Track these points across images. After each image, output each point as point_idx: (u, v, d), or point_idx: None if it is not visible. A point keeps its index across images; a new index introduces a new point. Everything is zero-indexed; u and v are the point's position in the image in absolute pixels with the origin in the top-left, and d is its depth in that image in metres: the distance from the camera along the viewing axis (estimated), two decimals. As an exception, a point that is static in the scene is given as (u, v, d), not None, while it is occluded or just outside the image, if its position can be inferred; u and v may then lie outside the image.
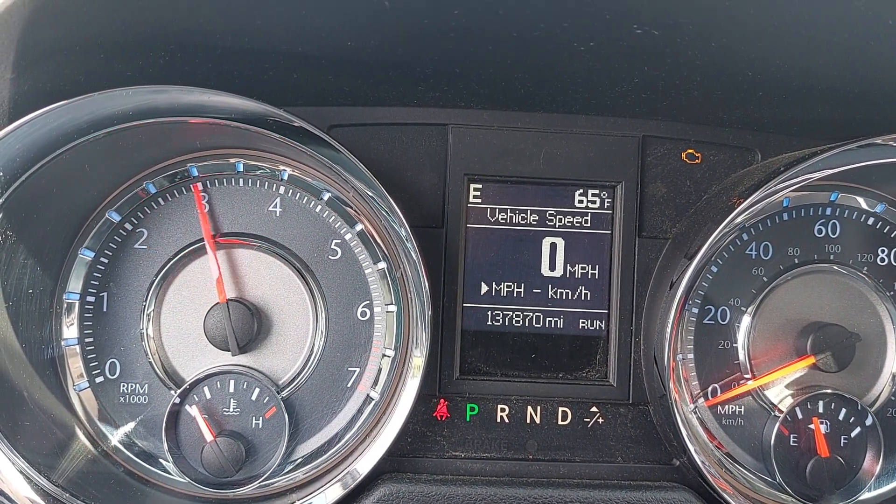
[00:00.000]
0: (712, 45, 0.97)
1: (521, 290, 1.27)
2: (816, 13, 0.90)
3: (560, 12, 0.88)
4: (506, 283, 1.27)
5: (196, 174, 1.21)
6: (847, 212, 1.29)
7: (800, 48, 0.99)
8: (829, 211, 1.29)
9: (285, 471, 1.20)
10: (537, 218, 1.28)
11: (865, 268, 1.29)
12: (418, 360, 1.13)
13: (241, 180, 1.21)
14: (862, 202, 1.29)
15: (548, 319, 1.27)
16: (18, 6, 0.82)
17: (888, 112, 1.13)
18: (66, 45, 0.91)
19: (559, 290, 1.28)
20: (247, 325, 1.15)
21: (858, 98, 1.10)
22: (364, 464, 1.12)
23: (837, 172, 1.13)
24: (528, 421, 1.25)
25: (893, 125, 1.13)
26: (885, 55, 0.97)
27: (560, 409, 1.25)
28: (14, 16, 0.83)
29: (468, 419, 1.24)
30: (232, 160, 1.20)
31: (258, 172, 1.21)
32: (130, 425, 1.19)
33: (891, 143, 1.08)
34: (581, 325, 1.28)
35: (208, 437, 1.15)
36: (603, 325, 1.27)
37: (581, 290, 1.28)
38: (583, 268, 1.28)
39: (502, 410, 1.24)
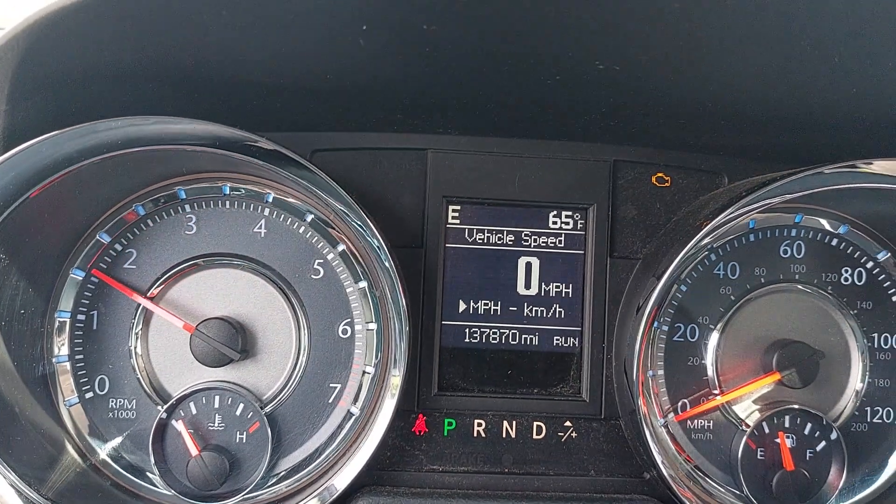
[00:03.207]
0: (671, 79, 1.02)
1: (498, 307, 1.32)
2: (770, 50, 0.95)
3: (523, 52, 0.93)
4: (483, 302, 1.31)
5: (184, 197, 1.25)
6: (811, 233, 1.34)
7: (756, 81, 1.04)
8: (793, 232, 1.34)
9: (268, 484, 1.23)
10: (513, 238, 1.32)
11: (829, 287, 1.34)
12: (396, 380, 1.17)
13: (227, 202, 1.26)
14: (825, 224, 1.34)
15: (523, 336, 1.32)
16: (12, 44, 0.87)
17: (844, 139, 1.18)
18: (59, 77, 0.96)
19: (534, 308, 1.32)
20: (232, 343, 1.19)
21: (815, 126, 1.15)
22: (343, 478, 1.16)
23: (798, 196, 1.19)
24: (504, 435, 1.29)
25: (848, 151, 1.18)
26: (836, 88, 1.02)
27: (535, 423, 1.29)
28: (8, 53, 0.88)
29: (446, 434, 1.28)
30: (219, 183, 1.25)
31: (244, 195, 1.26)
32: (118, 439, 1.23)
33: (845, 169, 1.13)
34: (555, 342, 1.32)
35: (193, 451, 1.19)
36: (576, 343, 1.32)
37: (555, 308, 1.32)
38: (557, 286, 1.32)
39: (479, 425, 1.29)
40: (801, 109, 1.11)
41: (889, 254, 1.34)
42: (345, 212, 1.15)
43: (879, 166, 1.13)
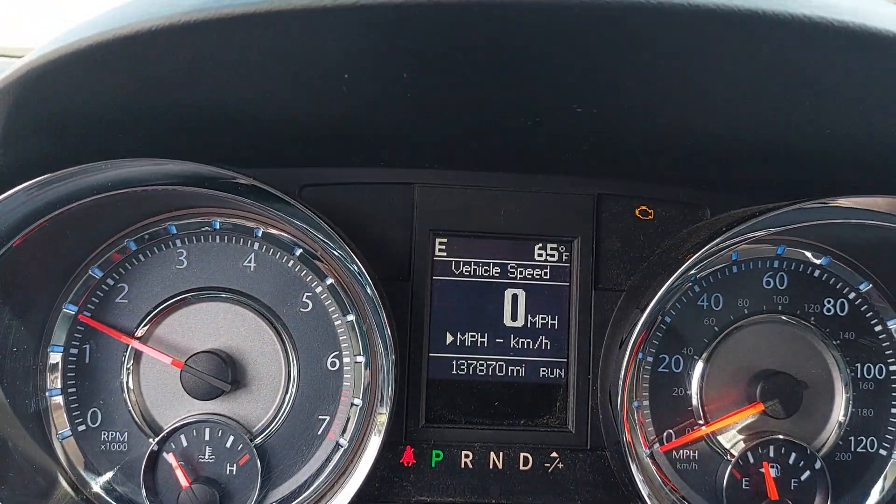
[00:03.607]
0: (647, 121, 1.05)
1: (485, 339, 1.34)
2: (741, 95, 0.97)
3: (501, 98, 0.96)
4: (470, 334, 1.33)
5: (175, 232, 1.28)
6: (794, 264, 1.36)
7: (729, 123, 1.06)
8: (776, 264, 1.36)
9: (258, 518, 1.25)
10: (499, 270, 1.34)
11: (812, 318, 1.35)
12: (382, 417, 1.19)
13: (217, 237, 1.28)
14: (808, 255, 1.36)
15: (510, 368, 1.34)
16: (3, 93, 0.90)
17: (821, 173, 1.20)
18: (50, 123, 0.99)
19: (521, 340, 1.34)
20: (222, 375, 1.21)
21: (791, 161, 1.17)
22: (329, 511, 1.18)
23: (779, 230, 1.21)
24: (491, 466, 1.31)
25: (825, 185, 1.20)
26: (805, 128, 1.04)
27: (521, 454, 1.31)
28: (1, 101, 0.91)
29: (433, 465, 1.30)
30: (209, 218, 1.27)
31: (233, 230, 1.28)
32: (111, 472, 1.25)
33: (823, 204, 1.15)
34: (542, 373, 1.34)
35: (184, 483, 1.21)
36: (562, 374, 1.34)
37: (541, 340, 1.34)
38: (543, 318, 1.34)
39: (466, 456, 1.30)
40: (773, 147, 1.13)
41: (871, 284, 1.36)
42: (331, 245, 1.17)
43: (854, 202, 1.15)
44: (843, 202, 1.16)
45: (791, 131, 1.07)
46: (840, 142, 1.07)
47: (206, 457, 1.24)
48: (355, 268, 1.18)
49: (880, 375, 1.36)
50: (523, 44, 0.81)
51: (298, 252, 1.28)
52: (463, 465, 1.30)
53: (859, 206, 1.16)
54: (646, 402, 1.33)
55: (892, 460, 1.35)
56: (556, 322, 1.35)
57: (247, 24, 0.79)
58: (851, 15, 0.80)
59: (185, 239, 1.28)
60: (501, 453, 1.31)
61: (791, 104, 0.97)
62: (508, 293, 1.34)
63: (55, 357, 1.24)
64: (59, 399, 1.24)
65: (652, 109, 1.02)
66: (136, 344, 1.24)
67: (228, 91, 0.99)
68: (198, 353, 1.23)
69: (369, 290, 1.18)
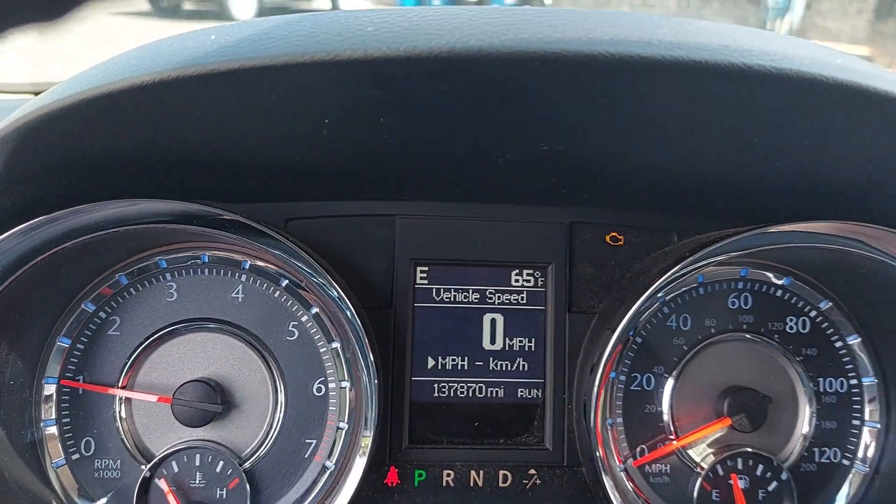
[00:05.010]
0: (611, 159, 1.12)
1: (465, 363, 1.39)
2: (696, 134, 1.04)
3: (473, 138, 1.02)
4: (451, 357, 1.39)
5: (165, 266, 1.33)
6: (757, 285, 1.43)
7: (693, 157, 1.13)
8: (740, 285, 1.43)
9: (248, 538, 1.29)
10: (478, 296, 1.40)
11: (776, 335, 1.42)
12: (366, 440, 1.24)
13: (206, 270, 1.33)
14: (770, 276, 1.43)
15: (489, 389, 1.40)
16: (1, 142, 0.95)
17: (779, 202, 1.27)
18: (40, 169, 1.04)
19: (499, 362, 1.40)
20: (211, 400, 1.26)
21: (748, 192, 1.24)
22: (319, 531, 1.23)
23: (740, 254, 1.29)
24: (472, 484, 1.36)
25: (787, 213, 1.27)
26: (766, 161, 1.11)
27: (501, 472, 1.37)
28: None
29: (416, 484, 1.35)
30: (198, 252, 1.32)
31: (221, 263, 1.33)
32: (104, 499, 1.29)
33: (764, 231, 1.22)
34: (520, 394, 1.40)
35: (176, 508, 1.25)
36: (539, 394, 1.40)
37: (519, 362, 1.40)
38: (520, 341, 1.40)
39: (448, 475, 1.36)
40: (732, 180, 1.20)
41: (830, 303, 1.43)
42: (314, 276, 1.23)
43: (798, 227, 1.23)
44: (787, 227, 1.23)
45: (745, 167, 1.14)
46: (790, 175, 1.14)
47: (197, 482, 1.28)
48: (338, 297, 1.23)
49: (842, 389, 1.43)
50: (484, 92, 0.87)
51: (284, 283, 1.33)
52: (445, 484, 1.35)
53: (805, 230, 1.23)
54: (619, 419, 1.39)
55: (854, 469, 1.42)
56: (532, 344, 1.41)
57: (225, 79, 0.85)
58: (789, 63, 0.88)
59: (175, 272, 1.33)
60: (482, 471, 1.36)
61: (743, 144, 1.04)
62: (487, 318, 1.40)
63: (49, 389, 1.29)
64: (54, 429, 1.28)
65: (612, 149, 1.09)
66: (121, 392, 1.28)
67: (215, 138, 1.04)
68: (187, 382, 1.28)
69: (352, 318, 1.23)
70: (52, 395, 1.29)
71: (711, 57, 0.81)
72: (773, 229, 1.22)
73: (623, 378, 1.40)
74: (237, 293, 1.33)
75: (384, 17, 0.88)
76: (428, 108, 0.92)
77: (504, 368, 1.40)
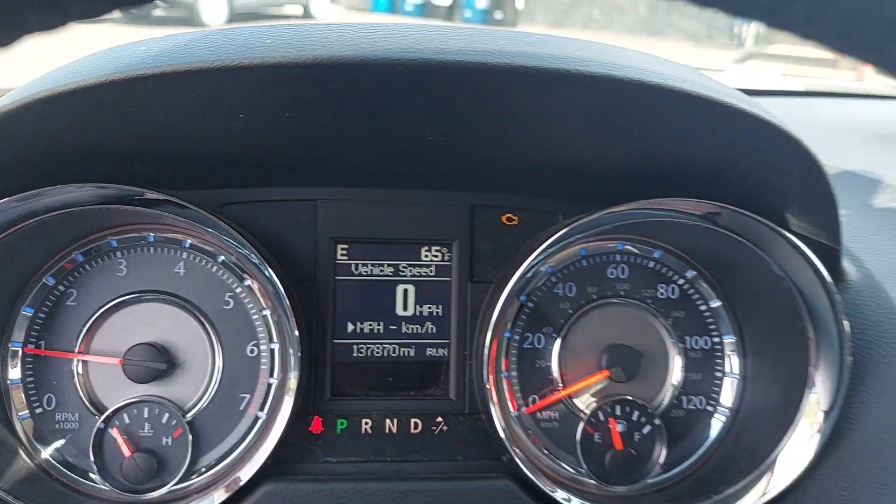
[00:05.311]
0: (492, 149, 1.34)
1: (381, 327, 1.61)
2: (563, 124, 1.27)
3: (364, 132, 1.24)
4: (368, 323, 1.60)
5: (116, 245, 1.53)
6: (632, 258, 1.67)
7: (554, 147, 1.37)
8: (618, 258, 1.66)
9: (190, 479, 1.50)
10: (392, 270, 1.62)
11: (649, 300, 1.66)
12: (293, 383, 1.45)
13: (152, 248, 1.54)
14: (643, 250, 1.67)
15: (402, 350, 1.61)
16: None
17: (639, 185, 1.50)
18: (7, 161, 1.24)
19: (410, 326, 1.62)
20: (157, 360, 1.47)
21: (624, 177, 1.47)
22: (248, 470, 1.43)
23: (618, 227, 1.52)
24: (387, 431, 1.57)
25: (647, 195, 1.50)
26: (637, 153, 1.35)
27: (412, 420, 1.58)
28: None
29: (338, 432, 1.56)
30: (144, 233, 1.53)
31: (165, 242, 1.54)
32: (64, 446, 1.49)
33: (631, 209, 1.45)
34: (428, 353, 1.62)
35: (127, 453, 1.45)
36: (445, 353, 1.62)
37: (428, 326, 1.62)
38: (429, 308, 1.62)
39: (366, 423, 1.57)
40: (593, 167, 1.43)
41: (696, 273, 1.67)
42: (246, 253, 1.44)
43: (665, 203, 1.46)
44: (627, 207, 1.46)
45: (598, 156, 1.37)
46: (635, 161, 1.38)
47: (146, 431, 1.49)
48: (268, 271, 1.44)
49: (706, 346, 1.67)
50: (362, 94, 1.09)
51: (221, 259, 1.54)
52: (363, 431, 1.57)
53: (662, 207, 1.46)
54: (514, 373, 1.61)
55: (716, 414, 1.66)
56: (440, 311, 1.63)
57: (154, 82, 1.07)
58: (638, 73, 1.11)
59: (125, 251, 1.53)
60: (396, 420, 1.58)
61: (586, 137, 1.27)
62: (400, 288, 1.62)
63: (15, 352, 1.48)
64: (19, 386, 1.48)
65: (486, 143, 1.31)
66: (79, 356, 1.48)
67: (152, 134, 1.25)
68: (136, 345, 1.48)
69: (279, 290, 1.44)
70: (17, 358, 1.48)
71: (529, 63, 1.04)
72: (616, 209, 1.45)
73: (517, 338, 1.62)
74: (179, 268, 1.54)
75: (283, 31, 1.10)
76: (319, 105, 1.14)
77: (415, 331, 1.62)
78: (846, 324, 1.41)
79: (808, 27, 0.49)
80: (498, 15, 18.07)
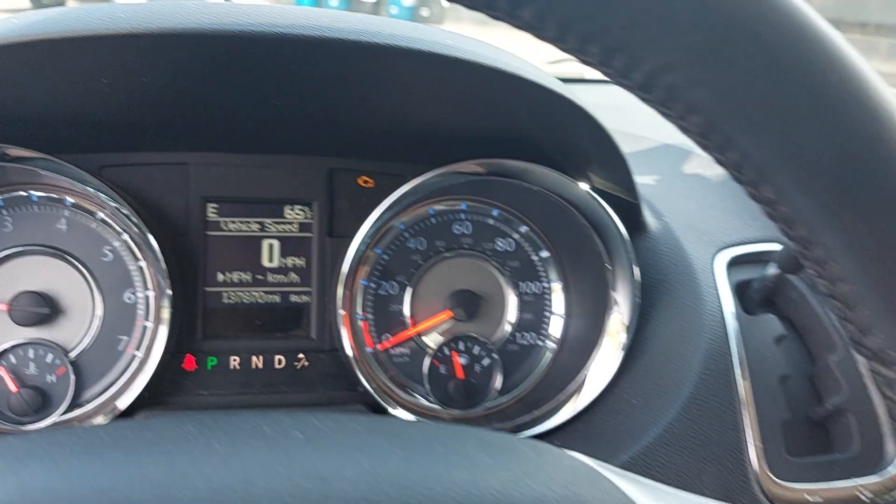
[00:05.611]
0: (337, 115, 1.58)
1: (249, 277, 1.81)
2: (402, 93, 1.51)
3: (220, 97, 1.45)
4: (237, 273, 1.81)
5: (2, 204, 1.68)
6: (474, 215, 1.92)
7: (404, 115, 1.61)
8: (462, 216, 1.91)
9: (74, 410, 1.67)
10: (259, 226, 1.83)
11: (489, 252, 1.91)
12: (164, 334, 1.64)
13: (36, 207, 1.70)
14: (483, 208, 1.93)
15: (268, 297, 1.82)
16: None
17: (480, 150, 1.75)
18: None
19: (276, 276, 1.83)
20: (40, 305, 1.63)
21: (465, 144, 1.72)
22: (125, 400, 1.62)
23: (460, 186, 1.77)
24: (254, 367, 1.78)
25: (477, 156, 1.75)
26: (449, 115, 1.60)
27: (276, 357, 1.79)
28: None
29: (210, 368, 1.76)
30: (27, 192, 1.69)
31: (47, 200, 1.70)
32: (-48, 386, 1.64)
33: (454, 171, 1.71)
34: (292, 299, 1.83)
35: (13, 388, 1.62)
36: (308, 299, 1.83)
37: (291, 275, 1.84)
38: (293, 260, 1.84)
39: (234, 360, 1.77)
40: (435, 132, 1.68)
41: (528, 228, 1.93)
42: (122, 210, 1.62)
43: (472, 165, 1.72)
44: (442, 170, 1.72)
45: (450, 123, 1.62)
46: (485, 129, 1.64)
47: (31, 370, 1.65)
48: (142, 227, 1.63)
49: (537, 291, 1.94)
50: (204, 64, 1.31)
51: (99, 216, 1.72)
52: (232, 368, 1.77)
53: (458, 171, 1.72)
54: (370, 315, 1.84)
55: (546, 347, 1.93)
56: (303, 262, 1.84)
57: (27, 48, 1.25)
58: (441, 48, 1.36)
59: (10, 208, 1.68)
60: (262, 357, 1.78)
61: (436, 108, 1.52)
62: (266, 243, 1.83)
63: None
64: None
65: (333, 112, 1.54)
66: None
67: (33, 97, 1.43)
68: (21, 292, 1.64)
69: (153, 243, 1.63)
70: None
71: (343, 35, 1.27)
72: (431, 173, 1.70)
73: (374, 286, 1.85)
74: (62, 224, 1.70)
75: (137, 8, 1.30)
76: (171, 71, 1.35)
77: (280, 281, 1.83)
78: (634, 254, 1.71)
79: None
80: (424, 12, 18.22)
